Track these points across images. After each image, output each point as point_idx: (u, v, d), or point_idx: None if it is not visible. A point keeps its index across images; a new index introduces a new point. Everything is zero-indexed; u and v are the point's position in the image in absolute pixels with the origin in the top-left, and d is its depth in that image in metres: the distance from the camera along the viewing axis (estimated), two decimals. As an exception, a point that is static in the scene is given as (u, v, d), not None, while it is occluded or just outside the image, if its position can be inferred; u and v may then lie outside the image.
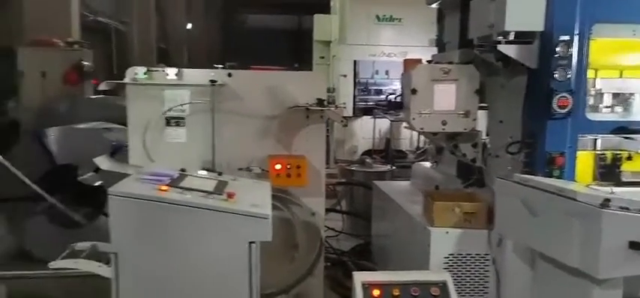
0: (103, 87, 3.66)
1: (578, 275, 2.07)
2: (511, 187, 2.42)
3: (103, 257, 2.31)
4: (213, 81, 3.30)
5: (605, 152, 2.86)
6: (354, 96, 9.25)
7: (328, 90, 9.16)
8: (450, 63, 3.36)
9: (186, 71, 3.39)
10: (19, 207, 4.46)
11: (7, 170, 4.02)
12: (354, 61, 9.20)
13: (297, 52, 20.76)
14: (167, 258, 2.02)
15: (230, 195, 2.15)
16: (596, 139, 2.87)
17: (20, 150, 4.56)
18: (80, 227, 4.38)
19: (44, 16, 8.30)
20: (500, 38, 2.78)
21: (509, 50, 2.80)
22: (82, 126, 4.90)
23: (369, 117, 8.88)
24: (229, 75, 3.39)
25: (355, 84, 9.25)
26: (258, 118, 3.43)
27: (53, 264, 2.43)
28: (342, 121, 4.09)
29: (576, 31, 2.70)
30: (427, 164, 4.36)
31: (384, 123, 8.81)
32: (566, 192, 2.11)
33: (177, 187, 2.18)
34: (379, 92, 9.41)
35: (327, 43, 9.58)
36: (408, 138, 9.00)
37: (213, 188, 2.27)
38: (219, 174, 2.81)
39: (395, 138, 8.75)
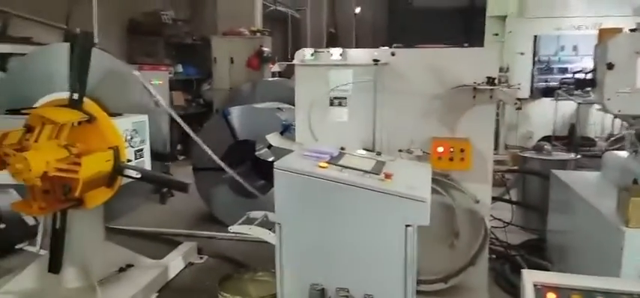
0: (274, 69, 3.92)
1: None
2: None
3: (273, 226, 2.48)
4: (376, 61, 3.28)
5: None
6: (532, 76, 8.36)
7: (500, 70, 8.49)
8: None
9: (350, 51, 3.42)
10: (208, 177, 5.13)
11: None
12: (534, 37, 8.30)
13: (467, 31, 19.69)
14: (324, 232, 2.06)
15: (387, 176, 2.10)
16: None
17: (210, 127, 5.22)
18: (257, 197, 4.85)
19: (233, 8, 9.35)
20: None
21: None
22: (258, 105, 5.38)
23: (550, 99, 7.93)
24: (393, 54, 3.31)
25: (534, 62, 8.36)
26: (422, 98, 3.29)
27: (231, 228, 2.71)
28: (515, 103, 3.67)
29: None
30: (623, 153, 3.67)
31: (567, 107, 7.78)
32: None
33: (336, 165, 2.21)
34: (564, 71, 8.31)
35: (503, 18, 8.78)
36: (598, 124, 7.81)
37: (370, 167, 2.25)
38: (378, 153, 2.78)
39: (581, 123, 7.66)
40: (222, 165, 4.15)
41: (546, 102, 8.09)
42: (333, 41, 16.83)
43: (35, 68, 3.66)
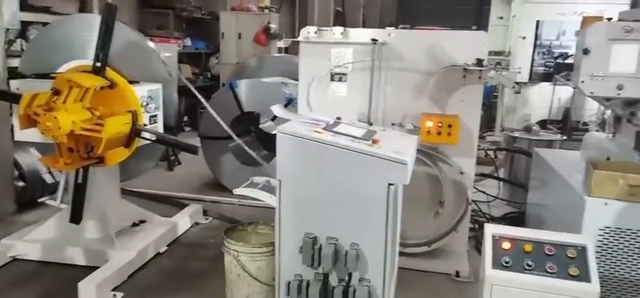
0: (280, 44, 4.18)
1: None
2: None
3: (274, 191, 2.78)
4: (374, 40, 3.53)
5: None
6: (533, 61, 8.56)
7: (501, 54, 8.69)
8: (638, 21, 2.98)
9: (351, 31, 3.68)
10: (215, 145, 5.43)
11: (209, 114, 4.93)
12: (537, 22, 8.47)
13: (476, 13, 19.74)
14: (318, 188, 2.35)
15: (375, 141, 2.39)
16: None
17: (218, 98, 5.50)
18: (260, 165, 5.16)
19: (243, -16, 9.50)
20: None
21: None
22: (265, 80, 5.65)
23: (549, 83, 8.14)
24: (389, 34, 3.57)
25: (535, 47, 8.55)
26: (416, 77, 3.55)
27: (236, 190, 3.00)
28: (513, 87, 3.92)
29: None
30: (603, 134, 3.94)
31: (566, 92, 7.98)
32: None
33: (330, 131, 2.50)
34: (566, 56, 8.51)
35: (509, 2, 8.95)
36: (594, 109, 8.02)
37: (361, 135, 2.53)
38: (370, 124, 3.06)
39: (577, 108, 7.88)
40: (231, 132, 4.44)
41: (545, 86, 8.29)
42: (340, 20, 16.95)
43: (56, 37, 3.92)
